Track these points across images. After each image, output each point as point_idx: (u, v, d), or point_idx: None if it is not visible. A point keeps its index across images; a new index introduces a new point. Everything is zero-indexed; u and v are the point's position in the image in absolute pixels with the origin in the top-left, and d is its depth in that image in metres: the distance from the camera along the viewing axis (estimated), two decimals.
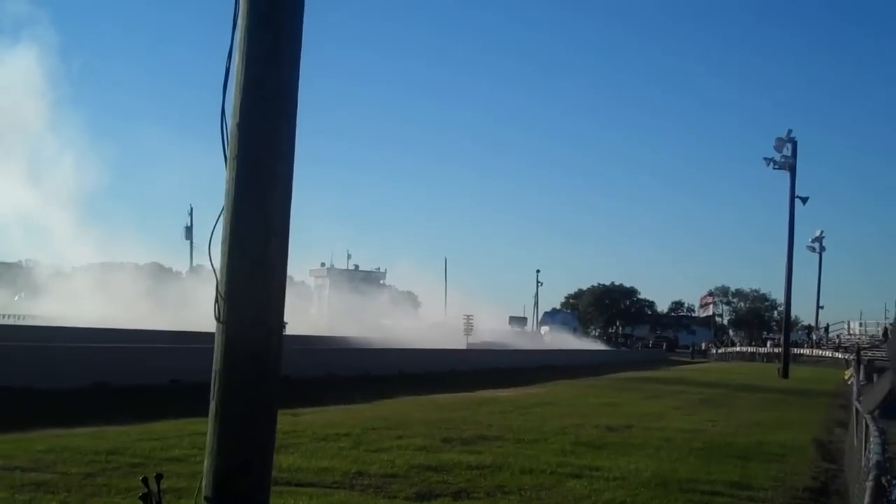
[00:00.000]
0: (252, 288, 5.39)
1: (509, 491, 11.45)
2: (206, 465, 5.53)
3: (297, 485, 10.58)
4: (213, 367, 5.51)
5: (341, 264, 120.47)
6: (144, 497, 5.43)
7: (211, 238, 5.49)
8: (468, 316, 73.86)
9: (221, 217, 5.45)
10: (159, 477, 5.46)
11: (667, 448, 16.47)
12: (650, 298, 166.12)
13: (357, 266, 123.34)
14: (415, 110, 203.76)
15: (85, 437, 14.06)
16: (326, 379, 29.39)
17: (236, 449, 5.46)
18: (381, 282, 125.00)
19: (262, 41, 5.36)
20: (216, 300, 5.42)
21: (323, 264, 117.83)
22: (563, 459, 14.24)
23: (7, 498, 9.42)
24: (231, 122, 5.40)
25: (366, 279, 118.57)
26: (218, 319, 5.42)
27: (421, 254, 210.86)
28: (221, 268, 5.46)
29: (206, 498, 5.53)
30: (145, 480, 5.48)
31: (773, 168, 63.14)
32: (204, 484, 5.53)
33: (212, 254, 5.49)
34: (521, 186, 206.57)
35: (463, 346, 63.47)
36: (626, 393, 32.07)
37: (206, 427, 14.33)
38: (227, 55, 5.38)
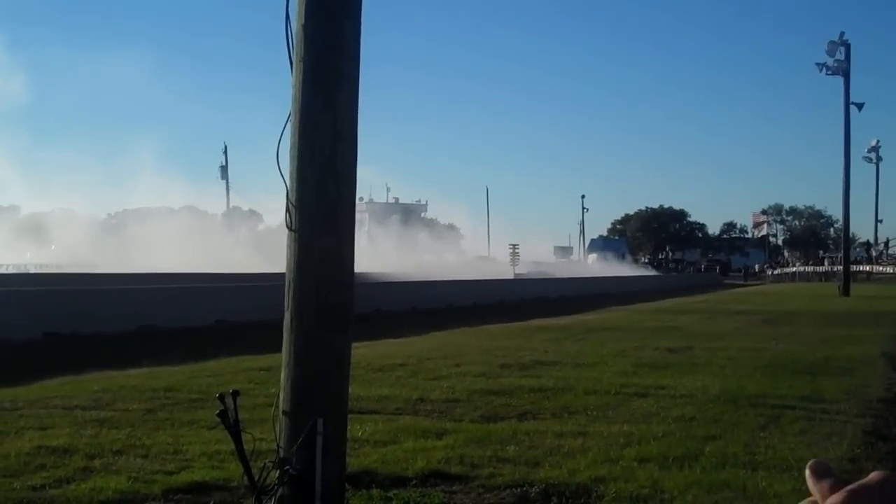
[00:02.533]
0: (323, 193, 5.48)
1: (575, 411, 11.55)
2: (282, 377, 5.67)
3: (360, 412, 10.70)
4: (287, 277, 5.65)
5: (380, 197, 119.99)
6: (221, 414, 5.54)
7: (279, 144, 5.59)
8: (514, 245, 73.51)
9: (288, 123, 5.50)
10: (236, 394, 5.55)
11: (732, 366, 16.49)
12: (701, 221, 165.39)
13: (397, 199, 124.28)
14: (453, 32, 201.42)
15: (139, 377, 14.30)
16: (373, 314, 29.60)
17: (313, 359, 5.65)
18: (423, 214, 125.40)
19: None
20: (287, 208, 5.53)
21: (361, 198, 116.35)
22: (626, 380, 14.30)
23: (72, 433, 9.61)
24: (296, 23, 5.42)
25: (406, 212, 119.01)
26: (289, 227, 5.53)
27: (462, 184, 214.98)
28: (290, 175, 5.57)
29: (284, 412, 5.65)
30: (222, 397, 5.57)
31: (826, 74, 61.84)
32: (282, 398, 5.65)
33: (280, 161, 5.55)
34: (563, 109, 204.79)
35: (510, 277, 63.55)
36: (682, 316, 31.99)
37: (259, 363, 14.59)
38: None
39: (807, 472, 0.92)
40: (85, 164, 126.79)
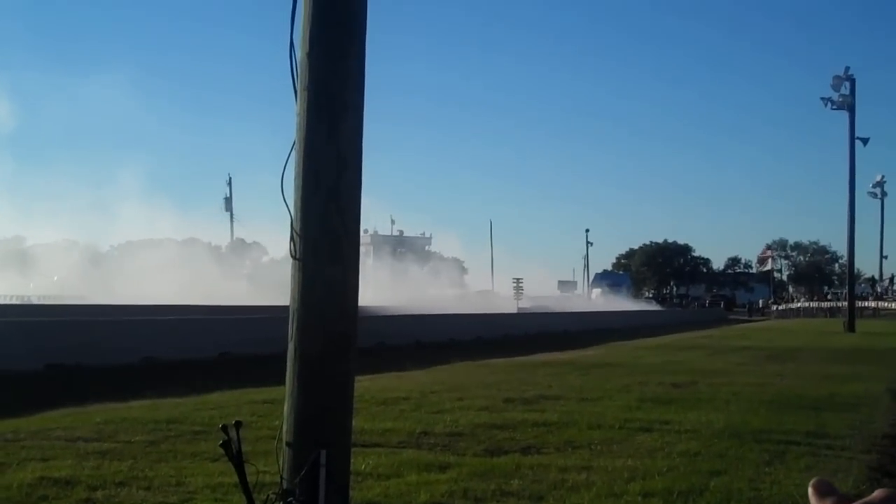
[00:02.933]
0: (327, 222, 5.50)
1: (579, 445, 11.53)
2: (286, 408, 5.66)
3: (363, 445, 10.67)
4: (291, 307, 5.64)
5: (384, 230, 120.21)
6: (224, 445, 5.51)
7: (283, 173, 5.59)
8: (517, 279, 75.28)
9: (293, 152, 5.53)
10: (238, 425, 5.52)
11: (736, 401, 16.43)
12: (705, 256, 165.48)
13: (401, 232, 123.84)
14: (458, 63, 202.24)
15: (141, 409, 14.28)
16: (377, 347, 29.54)
17: (317, 390, 5.63)
18: (427, 248, 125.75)
19: None
20: (291, 237, 5.53)
21: (365, 230, 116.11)
22: (630, 415, 14.27)
23: (75, 464, 9.60)
24: (300, 52, 5.46)
25: (410, 245, 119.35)
26: (294, 256, 5.53)
27: (466, 217, 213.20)
28: (295, 203, 5.55)
29: (287, 443, 5.63)
30: (225, 428, 5.55)
31: (831, 108, 61.96)
32: (285, 429, 5.64)
33: (284, 190, 5.58)
34: (568, 142, 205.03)
35: (513, 311, 64.20)
36: (686, 352, 31.91)
37: (263, 396, 14.60)
38: None
39: (810, 491, 0.93)
40: (73, 192, 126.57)
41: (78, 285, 71.27)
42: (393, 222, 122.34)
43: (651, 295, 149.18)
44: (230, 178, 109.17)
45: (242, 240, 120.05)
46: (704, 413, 14.58)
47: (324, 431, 5.59)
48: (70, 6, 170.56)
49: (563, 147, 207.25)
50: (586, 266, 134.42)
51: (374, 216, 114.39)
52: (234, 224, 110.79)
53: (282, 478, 5.62)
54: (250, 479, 5.61)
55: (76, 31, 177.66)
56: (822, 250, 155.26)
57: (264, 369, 13.21)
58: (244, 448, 5.64)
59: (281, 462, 5.65)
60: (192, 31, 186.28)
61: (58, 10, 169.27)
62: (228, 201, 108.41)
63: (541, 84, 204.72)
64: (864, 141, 62.48)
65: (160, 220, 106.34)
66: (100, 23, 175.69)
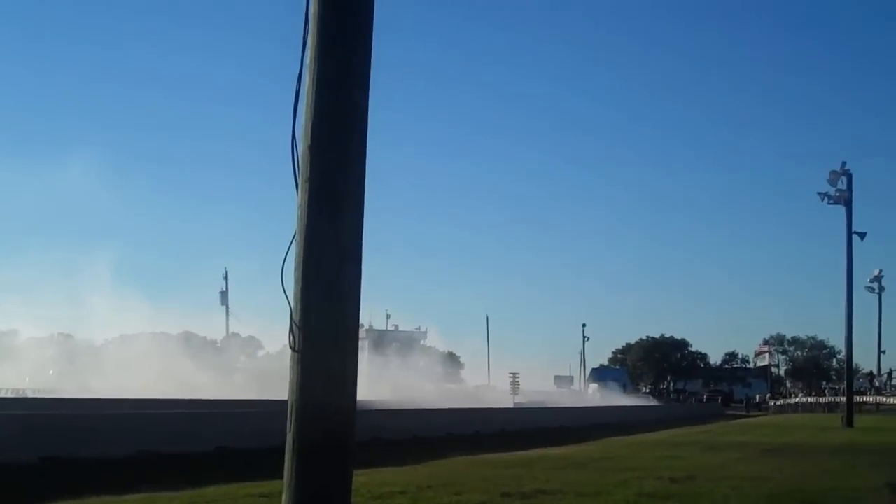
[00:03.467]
0: (327, 314, 5.54)
1: None
2: (283, 498, 5.63)
3: None
4: (289, 399, 5.65)
5: (380, 324, 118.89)
6: None
7: (283, 265, 5.66)
8: (514, 374, 75.15)
9: (293, 244, 5.61)
10: None
11: (735, 496, 16.23)
12: (702, 350, 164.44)
13: (397, 326, 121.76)
14: (454, 149, 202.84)
15: (137, 503, 14.15)
16: (373, 441, 29.30)
17: (314, 482, 5.62)
18: (422, 342, 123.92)
19: (334, 62, 5.50)
20: (290, 329, 5.56)
21: (362, 325, 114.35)
22: None
23: None
24: (302, 144, 5.57)
25: (406, 340, 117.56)
26: (293, 348, 5.54)
27: (461, 312, 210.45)
28: (294, 295, 5.62)
29: None
30: None
31: (828, 203, 62.32)
32: None
33: (284, 282, 5.63)
34: (563, 237, 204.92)
35: (510, 406, 64.27)
36: (683, 447, 31.59)
37: (260, 489, 14.55)
38: (296, 78, 5.53)
39: None
40: (47, 281, 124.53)
41: (73, 379, 70.98)
42: (388, 317, 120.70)
43: (648, 390, 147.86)
44: (226, 273, 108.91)
45: (238, 334, 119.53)
46: None
47: None
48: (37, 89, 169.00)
49: (558, 243, 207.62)
50: (583, 361, 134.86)
51: (369, 310, 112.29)
52: (230, 318, 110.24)
53: None
54: None
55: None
56: (821, 345, 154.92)
57: (263, 462, 13.08)
58: None
59: None
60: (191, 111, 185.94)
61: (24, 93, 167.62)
62: (224, 295, 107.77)
63: (532, 176, 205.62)
64: (861, 235, 62.70)
65: (151, 311, 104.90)
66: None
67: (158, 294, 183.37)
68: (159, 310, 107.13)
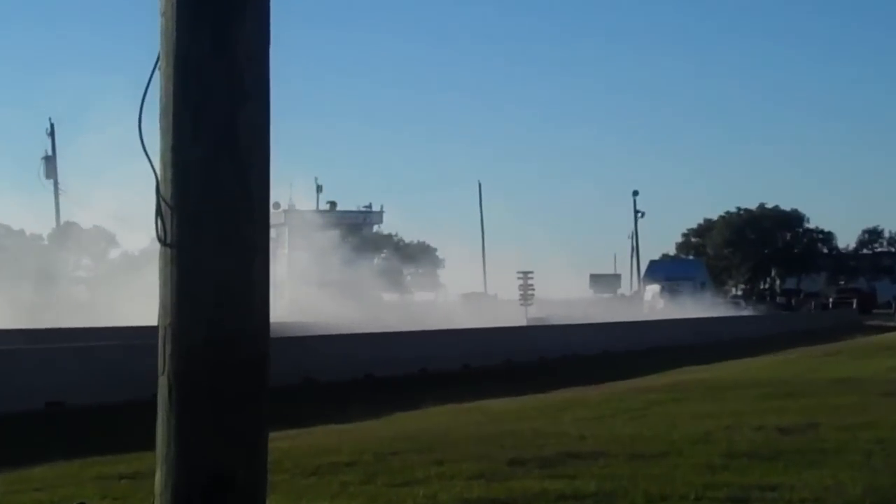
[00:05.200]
0: (217, 185, 4.35)
1: None
2: (157, 485, 4.39)
3: None
4: (160, 323, 4.40)
5: (308, 202, 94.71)
6: None
7: (142, 109, 4.44)
8: (526, 274, 60.23)
9: (156, 73, 4.45)
10: None
11: (881, 453, 13.51)
12: (826, 228, 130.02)
13: (334, 205, 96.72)
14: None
15: None
16: (303, 386, 26.02)
17: (207, 454, 4.36)
18: (376, 228, 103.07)
19: None
20: (157, 210, 4.33)
21: (277, 204, 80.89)
22: (713, 478, 11.66)
23: None
24: None
25: (349, 225, 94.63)
26: (163, 241, 4.34)
27: (439, 182, 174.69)
28: (162, 157, 4.40)
29: None
30: None
31: None
32: None
33: (144, 136, 4.43)
34: (603, 59, 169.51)
35: (520, 323, 53.50)
36: (799, 378, 26.93)
37: (119, 467, 11.98)
38: None
39: None
40: None
41: None
42: (320, 189, 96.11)
43: (740, 292, 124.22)
44: (52, 126, 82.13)
45: (76, 224, 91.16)
46: (831, 472, 11.97)
47: None
48: None
49: (581, 74, 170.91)
50: (635, 250, 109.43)
51: (289, 182, 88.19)
52: (60, 198, 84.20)
53: None
54: None
55: None
56: None
57: (122, 424, 10.71)
58: None
59: None
60: None
61: None
62: (50, 161, 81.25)
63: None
64: None
65: None
66: None
67: None
68: None
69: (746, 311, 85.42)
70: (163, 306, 4.36)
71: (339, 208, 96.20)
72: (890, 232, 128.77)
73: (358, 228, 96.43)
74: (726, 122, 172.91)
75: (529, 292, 58.69)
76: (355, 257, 79.96)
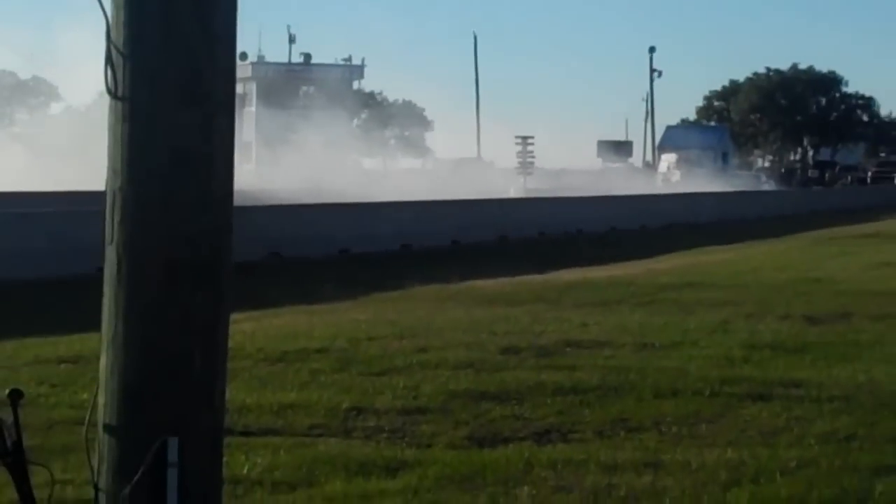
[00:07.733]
0: (174, 27, 4.04)
1: (638, 427, 9.55)
2: (102, 370, 4.20)
3: (247, 433, 8.85)
4: (108, 187, 4.15)
5: (279, 54, 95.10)
6: None
7: None
8: (525, 139, 60.77)
9: None
10: (15, 398, 4.36)
11: None
12: (866, 93, 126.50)
13: (308, 57, 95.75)
14: None
15: None
16: (269, 260, 26.41)
17: (159, 337, 4.12)
18: (356, 84, 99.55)
19: None
20: (108, 58, 4.05)
21: (244, 54, 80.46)
22: (731, 372, 11.97)
23: None
24: None
25: (324, 81, 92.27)
26: (112, 93, 4.07)
27: (427, 34, 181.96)
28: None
29: (107, 429, 4.25)
30: None
31: None
32: (102, 404, 4.24)
33: None
34: None
35: (518, 194, 54.39)
36: (831, 261, 27.52)
37: (60, 350, 11.92)
38: None
39: None
40: None
41: None
42: (293, 39, 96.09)
43: (768, 163, 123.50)
44: None
45: (13, 74, 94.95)
46: (863, 366, 12.30)
47: (173, 408, 4.19)
48: None
49: None
50: (650, 115, 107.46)
51: (257, 30, 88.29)
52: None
53: (97, 488, 4.31)
54: (41, 493, 4.34)
55: None
56: None
57: (61, 301, 10.63)
58: (28, 442, 4.32)
59: (95, 462, 4.35)
60: None
61: None
62: None
63: None
64: None
65: None
66: None
67: None
68: None
69: (766, 186, 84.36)
70: (112, 168, 4.21)
71: (314, 61, 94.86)
72: None
73: (338, 84, 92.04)
74: None
75: (529, 160, 59.52)
76: (332, 117, 78.10)
